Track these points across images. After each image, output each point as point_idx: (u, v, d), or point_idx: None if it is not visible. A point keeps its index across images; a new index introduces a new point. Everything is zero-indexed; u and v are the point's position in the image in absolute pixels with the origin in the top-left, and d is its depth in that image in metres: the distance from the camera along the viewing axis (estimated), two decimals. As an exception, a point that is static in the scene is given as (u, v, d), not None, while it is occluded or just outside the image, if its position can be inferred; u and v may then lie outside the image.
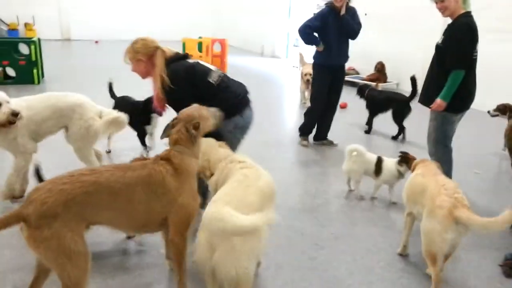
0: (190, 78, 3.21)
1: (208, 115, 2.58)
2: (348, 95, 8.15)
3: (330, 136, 5.80)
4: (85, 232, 2.14)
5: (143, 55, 3.28)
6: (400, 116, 6.10)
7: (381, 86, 9.38)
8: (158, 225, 2.38)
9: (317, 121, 5.75)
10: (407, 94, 6.01)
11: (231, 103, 3.23)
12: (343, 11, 5.15)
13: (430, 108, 3.92)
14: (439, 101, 3.76)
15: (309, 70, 6.96)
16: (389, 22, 9.96)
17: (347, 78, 9.72)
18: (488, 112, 5.63)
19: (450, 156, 4.02)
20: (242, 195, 2.36)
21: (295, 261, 3.05)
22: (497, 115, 5.60)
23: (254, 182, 2.52)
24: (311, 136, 5.86)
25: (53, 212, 1.94)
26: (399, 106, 6.09)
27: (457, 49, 3.66)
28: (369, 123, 6.48)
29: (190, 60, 3.36)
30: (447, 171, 3.80)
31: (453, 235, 2.61)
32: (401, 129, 6.13)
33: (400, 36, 9.69)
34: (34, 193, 2.00)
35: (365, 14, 10.15)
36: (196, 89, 3.20)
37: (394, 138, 6.13)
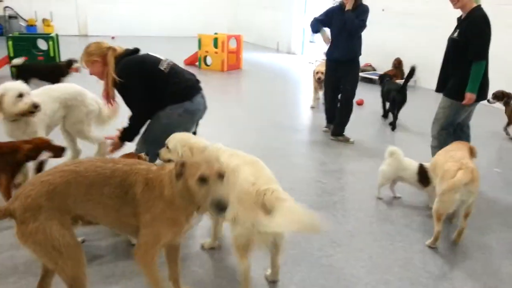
0: (141, 69, 3.47)
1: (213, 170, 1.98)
2: (365, 93, 8.12)
3: (349, 133, 5.77)
4: (75, 227, 2.14)
5: (97, 56, 3.50)
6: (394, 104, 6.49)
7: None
8: (134, 230, 2.18)
9: (329, 114, 5.98)
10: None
11: (182, 87, 3.50)
12: (347, 7, 5.27)
13: (452, 99, 4.10)
14: (469, 95, 3.94)
15: (321, 68, 6.91)
16: (406, 17, 9.82)
17: (363, 74, 9.65)
18: (488, 100, 5.72)
19: (450, 141, 4.14)
20: (265, 173, 2.54)
21: (312, 258, 3.03)
22: (494, 102, 6.36)
23: (258, 162, 2.65)
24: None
25: (36, 205, 1.94)
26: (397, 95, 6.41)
27: (479, 41, 3.87)
28: (385, 113, 7.00)
29: (140, 53, 3.62)
30: None
31: (461, 195, 3.09)
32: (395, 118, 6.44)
33: (417, 32, 9.55)
34: (21, 188, 2.04)
35: (382, 10, 10.06)
36: (148, 79, 3.45)
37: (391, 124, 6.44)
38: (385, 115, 6.98)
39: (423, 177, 3.78)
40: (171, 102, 3.48)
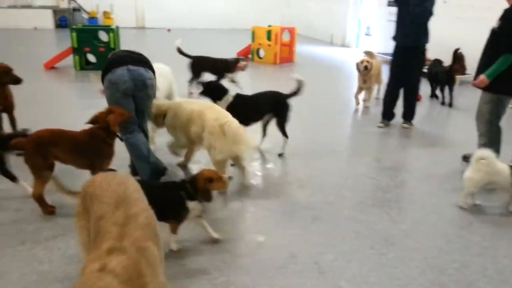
0: None
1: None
2: (423, 87, 7.83)
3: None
4: None
5: None
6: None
7: (459, 79, 8.89)
8: None
9: (391, 102, 5.96)
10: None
11: (108, 61, 3.69)
12: None
13: (477, 86, 4.18)
14: (482, 77, 4.02)
15: (367, 58, 6.73)
16: (468, 10, 9.36)
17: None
18: None
19: (500, 136, 4.27)
20: (222, 112, 3.83)
21: (363, 256, 2.99)
22: None
23: (214, 106, 3.94)
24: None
25: None
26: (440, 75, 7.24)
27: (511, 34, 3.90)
28: (433, 94, 7.63)
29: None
30: (497, 149, 4.12)
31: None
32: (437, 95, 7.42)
33: (478, 25, 9.07)
34: None
35: (444, 2, 9.63)
36: None
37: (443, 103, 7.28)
38: (433, 95, 7.64)
39: None
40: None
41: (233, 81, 6.71)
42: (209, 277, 2.69)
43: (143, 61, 3.75)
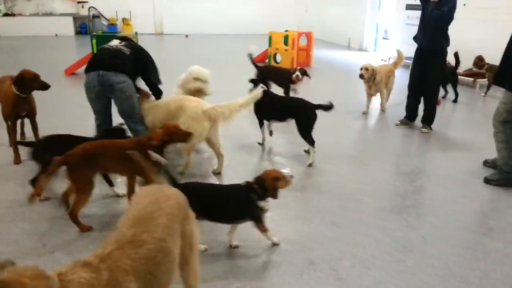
0: None
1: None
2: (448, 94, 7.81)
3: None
4: None
5: None
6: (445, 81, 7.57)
7: (479, 82, 8.74)
8: None
9: (411, 102, 6.03)
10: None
11: (89, 62, 4.18)
12: None
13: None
14: None
15: (369, 65, 6.52)
16: (488, 12, 9.21)
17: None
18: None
19: None
20: (200, 101, 4.27)
21: (382, 263, 2.95)
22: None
23: (191, 97, 4.34)
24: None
25: None
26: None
27: None
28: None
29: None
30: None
31: None
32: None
33: (500, 29, 8.91)
34: None
35: (464, 5, 9.49)
36: None
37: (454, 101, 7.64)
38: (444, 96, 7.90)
39: None
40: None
41: (295, 91, 6.53)
42: (224, 282, 2.69)
43: (115, 65, 4.05)
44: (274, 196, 2.95)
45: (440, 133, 5.88)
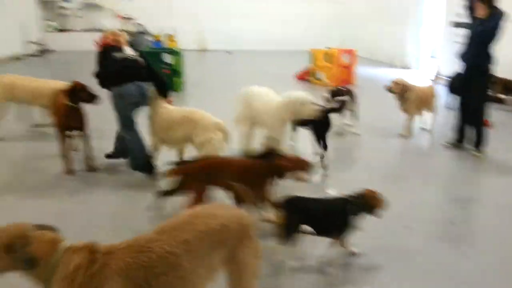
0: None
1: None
2: (498, 115, 7.40)
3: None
4: None
5: None
6: None
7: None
8: None
9: (459, 123, 5.76)
10: None
11: (111, 74, 4.35)
12: (477, 14, 5.15)
13: None
14: None
15: (401, 80, 6.27)
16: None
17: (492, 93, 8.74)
18: None
19: None
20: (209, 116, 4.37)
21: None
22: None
23: (198, 111, 4.43)
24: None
25: None
26: None
27: None
28: None
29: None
30: None
31: None
32: None
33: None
34: None
35: (511, 22, 9.14)
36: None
37: None
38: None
39: None
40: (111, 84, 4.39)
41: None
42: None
43: (142, 75, 4.41)
44: (372, 214, 3.02)
45: (494, 157, 5.54)
